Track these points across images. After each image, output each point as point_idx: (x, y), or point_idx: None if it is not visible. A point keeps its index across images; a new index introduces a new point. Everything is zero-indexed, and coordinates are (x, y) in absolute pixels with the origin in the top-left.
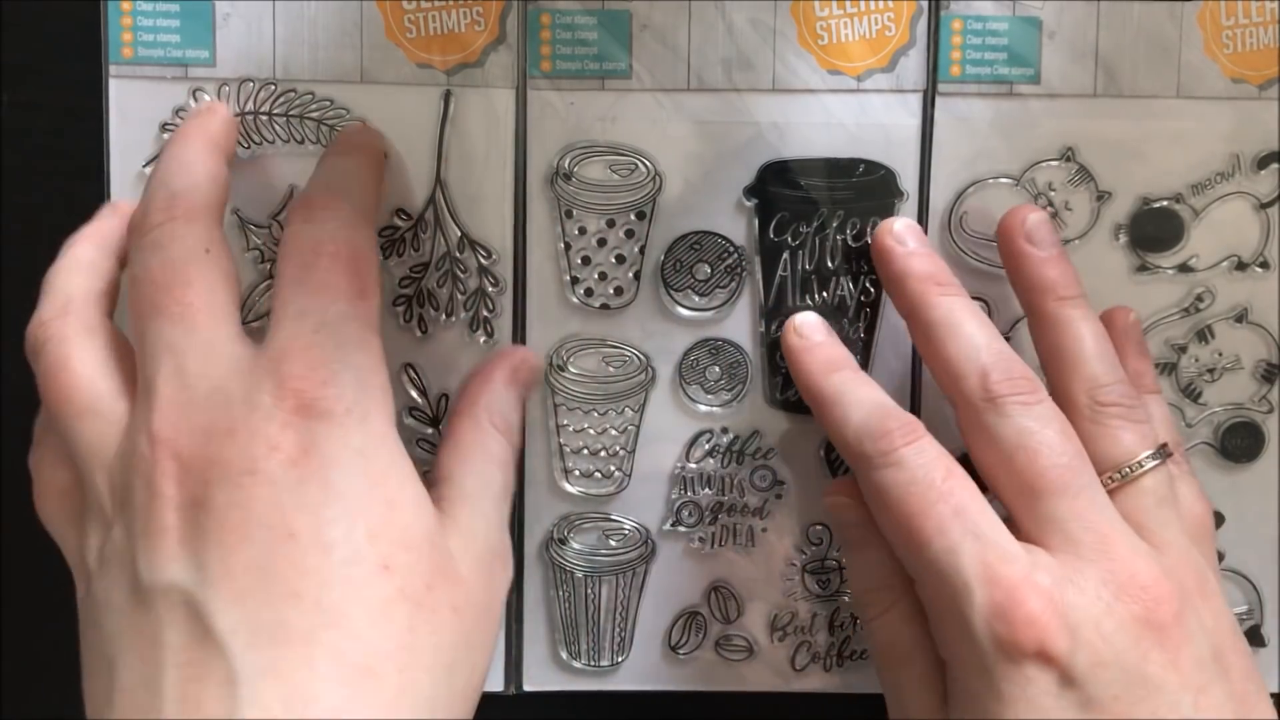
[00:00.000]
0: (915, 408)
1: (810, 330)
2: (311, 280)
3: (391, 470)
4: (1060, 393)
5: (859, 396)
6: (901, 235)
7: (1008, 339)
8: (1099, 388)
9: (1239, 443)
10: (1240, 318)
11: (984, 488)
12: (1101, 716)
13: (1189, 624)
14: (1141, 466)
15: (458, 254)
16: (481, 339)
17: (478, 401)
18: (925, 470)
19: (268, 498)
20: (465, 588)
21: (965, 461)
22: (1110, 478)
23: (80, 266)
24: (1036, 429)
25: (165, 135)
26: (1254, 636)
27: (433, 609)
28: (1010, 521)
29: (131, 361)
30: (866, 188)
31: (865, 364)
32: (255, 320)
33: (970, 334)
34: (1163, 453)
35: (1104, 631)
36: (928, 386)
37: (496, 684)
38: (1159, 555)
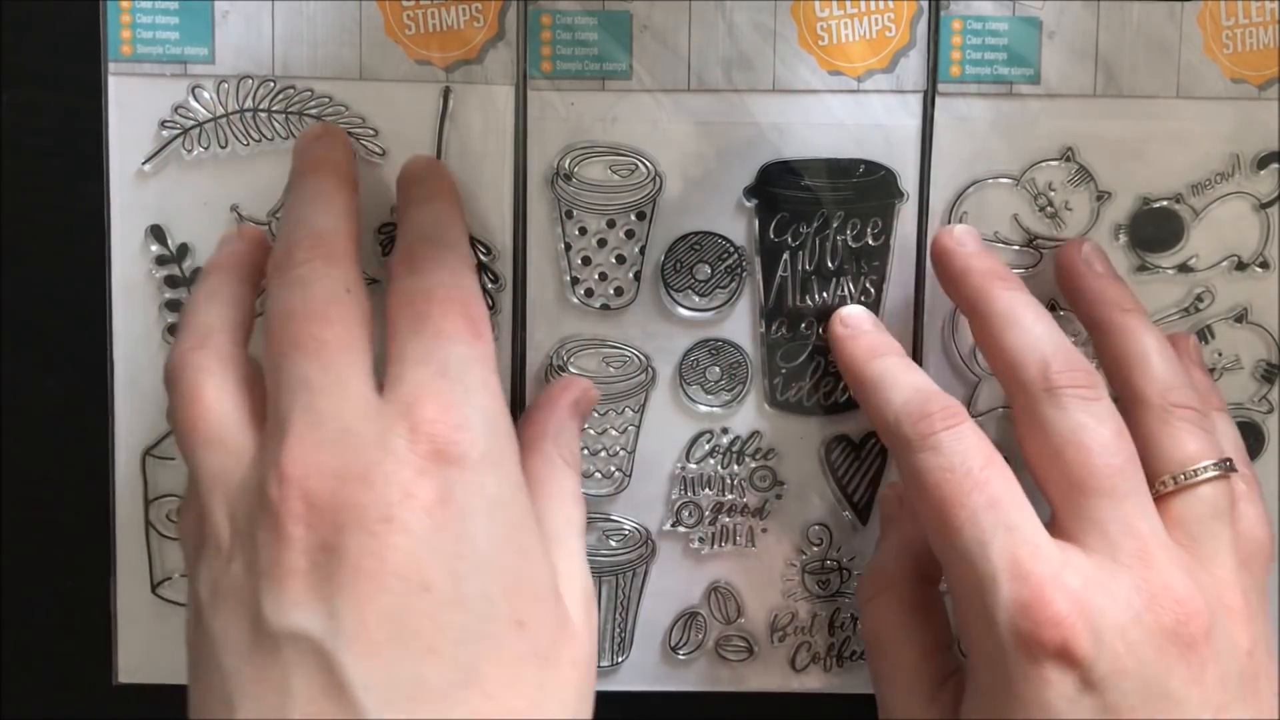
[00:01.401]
0: None
1: (857, 321)
2: (427, 328)
3: (522, 519)
4: (1130, 393)
5: (902, 380)
6: (962, 239)
7: None
8: (1170, 389)
9: None
10: (1240, 318)
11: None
12: None
13: (1219, 642)
14: (1202, 473)
15: None
16: None
17: (547, 435)
18: (963, 457)
19: (403, 547)
20: (579, 639)
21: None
22: (1168, 481)
23: (219, 297)
24: (1092, 425)
25: (165, 133)
26: None
27: (557, 664)
28: (1051, 521)
29: (263, 394)
30: (867, 188)
31: None
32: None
33: (1032, 324)
34: (1226, 465)
35: (1129, 640)
36: None
37: None
38: (1201, 569)
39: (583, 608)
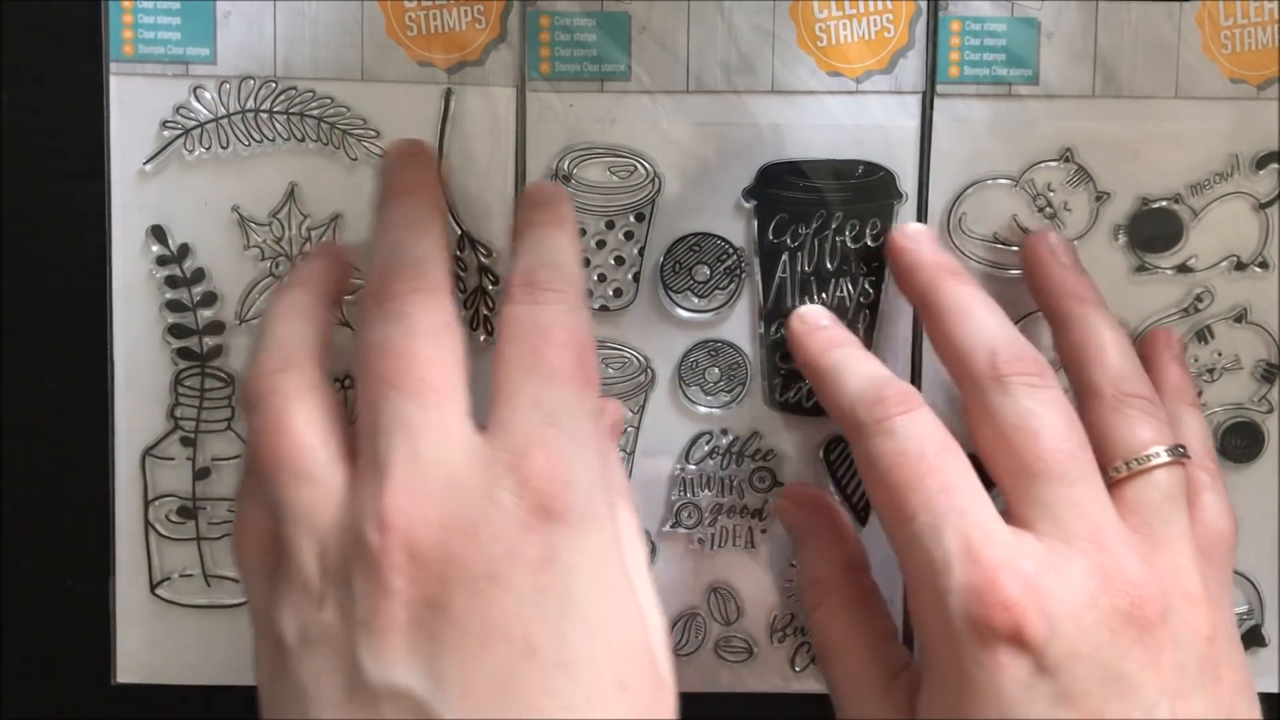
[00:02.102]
0: None
1: (813, 317)
2: (541, 368)
3: (621, 577)
4: (1083, 385)
5: (857, 368)
6: (914, 235)
7: None
8: (1123, 379)
9: (1239, 443)
10: (1240, 318)
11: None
12: (1071, 714)
13: (1175, 627)
14: (1154, 459)
15: (458, 252)
16: (481, 337)
17: None
18: (918, 442)
19: (509, 607)
20: (669, 692)
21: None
22: (1120, 467)
23: (299, 314)
24: (1041, 411)
25: (166, 133)
26: (1254, 636)
27: None
28: (1005, 508)
29: (346, 424)
30: (866, 189)
31: None
32: (255, 318)
33: (981, 317)
34: (1179, 452)
35: (1083, 624)
36: (928, 387)
37: None
38: (1156, 554)
39: (668, 658)
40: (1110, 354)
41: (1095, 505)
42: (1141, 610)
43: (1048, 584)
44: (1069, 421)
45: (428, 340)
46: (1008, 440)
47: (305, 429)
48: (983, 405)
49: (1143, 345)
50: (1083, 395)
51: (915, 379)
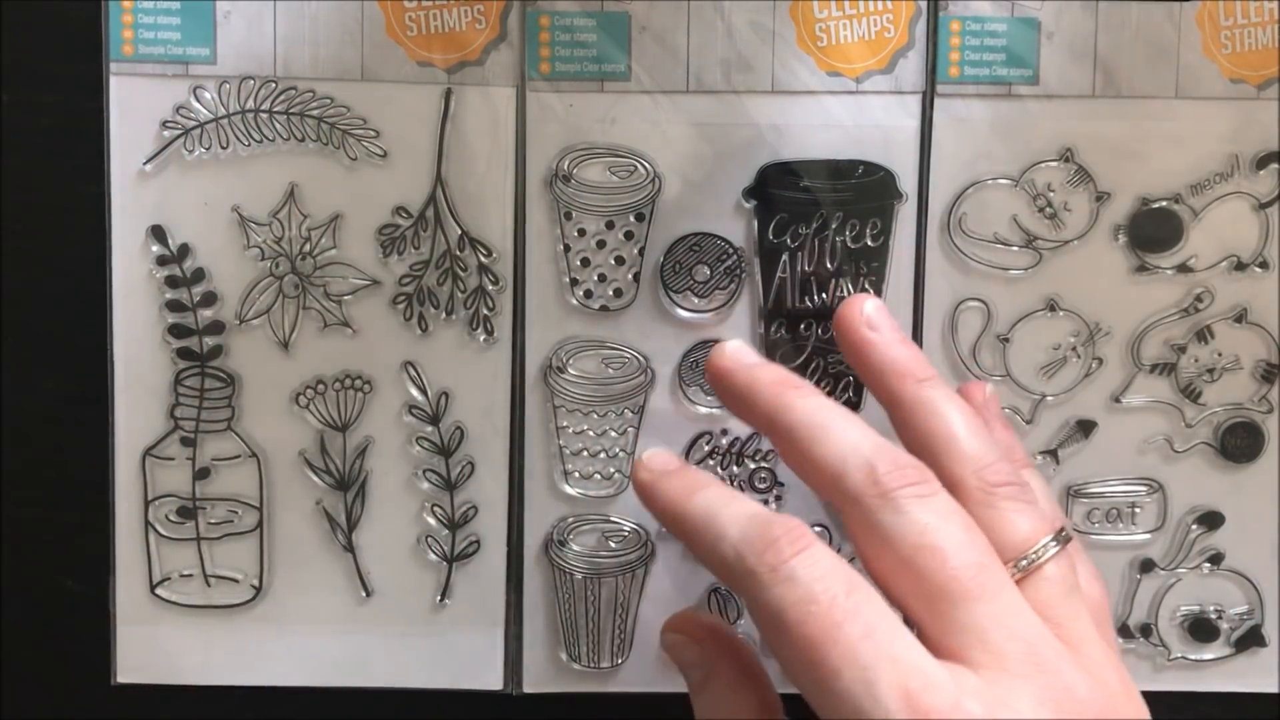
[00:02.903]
0: None
1: (662, 461)
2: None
3: None
4: (942, 476)
5: (732, 511)
6: (738, 354)
7: (1007, 339)
8: (984, 467)
9: (1239, 443)
10: (1240, 318)
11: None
12: None
13: None
14: (1044, 553)
15: (458, 252)
16: (481, 337)
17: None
18: (824, 585)
19: None
20: None
21: None
22: (1011, 570)
23: None
24: (938, 524)
25: (166, 133)
26: (1254, 637)
27: None
28: (920, 635)
29: None
30: (866, 189)
31: None
32: (255, 318)
33: (842, 429)
34: (1063, 537)
35: None
36: None
37: (496, 685)
38: (1080, 655)
39: None
40: (964, 440)
41: (1021, 620)
42: None
43: None
44: (969, 529)
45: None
46: (911, 562)
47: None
48: (872, 528)
49: None
50: (945, 488)
51: None
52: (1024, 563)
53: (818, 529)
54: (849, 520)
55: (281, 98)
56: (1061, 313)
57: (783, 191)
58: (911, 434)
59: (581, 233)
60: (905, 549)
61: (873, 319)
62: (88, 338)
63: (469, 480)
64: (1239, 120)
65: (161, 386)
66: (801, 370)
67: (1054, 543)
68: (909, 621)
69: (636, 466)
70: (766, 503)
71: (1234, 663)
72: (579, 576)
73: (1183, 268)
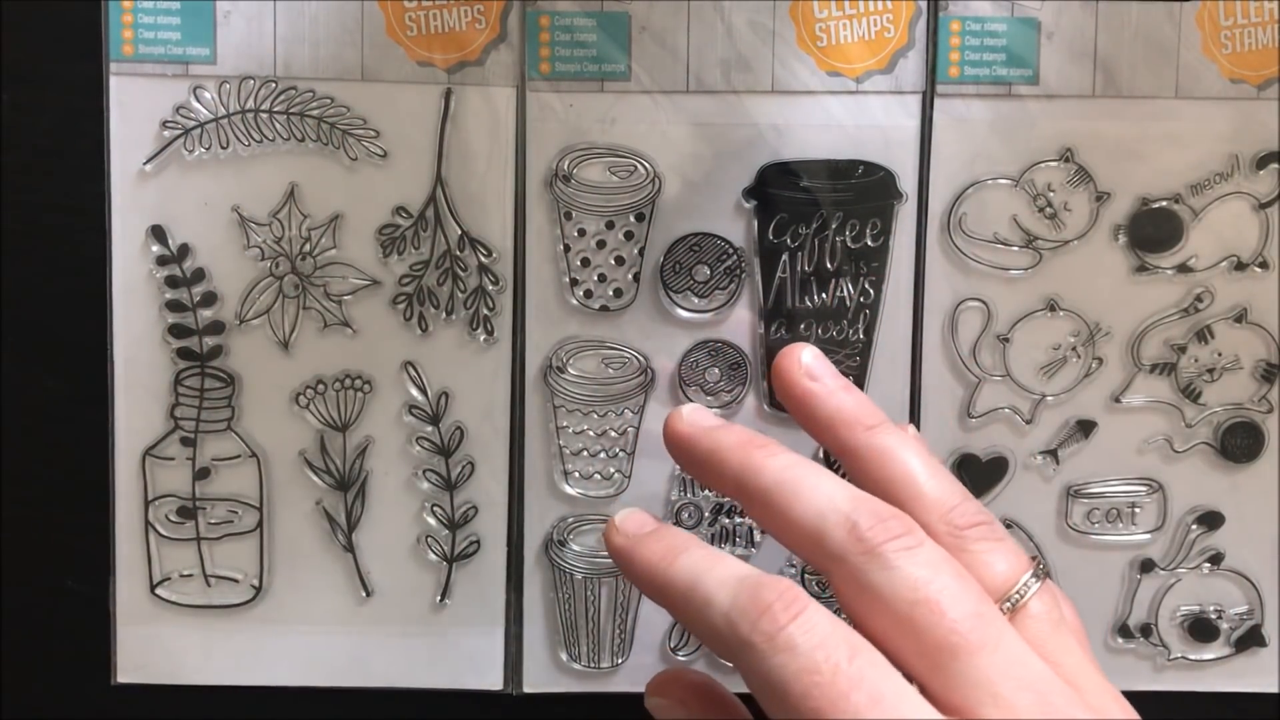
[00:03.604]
0: (915, 409)
1: (638, 523)
2: None
3: None
4: None
5: (719, 575)
6: (694, 418)
7: (1007, 339)
8: (951, 510)
9: (1239, 443)
10: (1240, 318)
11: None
12: None
13: None
14: (1026, 591)
15: (458, 252)
16: (482, 337)
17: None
18: (825, 652)
19: None
20: None
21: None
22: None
23: None
24: (931, 577)
25: (166, 133)
26: (1254, 637)
27: None
28: (923, 691)
29: None
30: (866, 189)
31: (864, 366)
32: (255, 318)
33: (815, 485)
34: (1041, 570)
35: None
36: (928, 388)
37: (496, 685)
38: (1083, 695)
39: None
40: (925, 485)
41: (1028, 669)
42: None
43: None
44: (960, 576)
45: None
46: (909, 620)
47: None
48: (862, 587)
49: None
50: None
51: (915, 379)
52: (1008, 604)
53: None
54: (834, 580)
55: (281, 98)
56: (1061, 313)
57: (783, 191)
58: (869, 483)
59: (581, 233)
60: (900, 606)
61: (812, 369)
62: (88, 338)
63: (469, 480)
64: (1239, 120)
65: (161, 386)
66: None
67: (1034, 578)
68: (910, 677)
69: (610, 531)
70: None
71: (1234, 663)
72: (579, 577)
73: (1183, 268)
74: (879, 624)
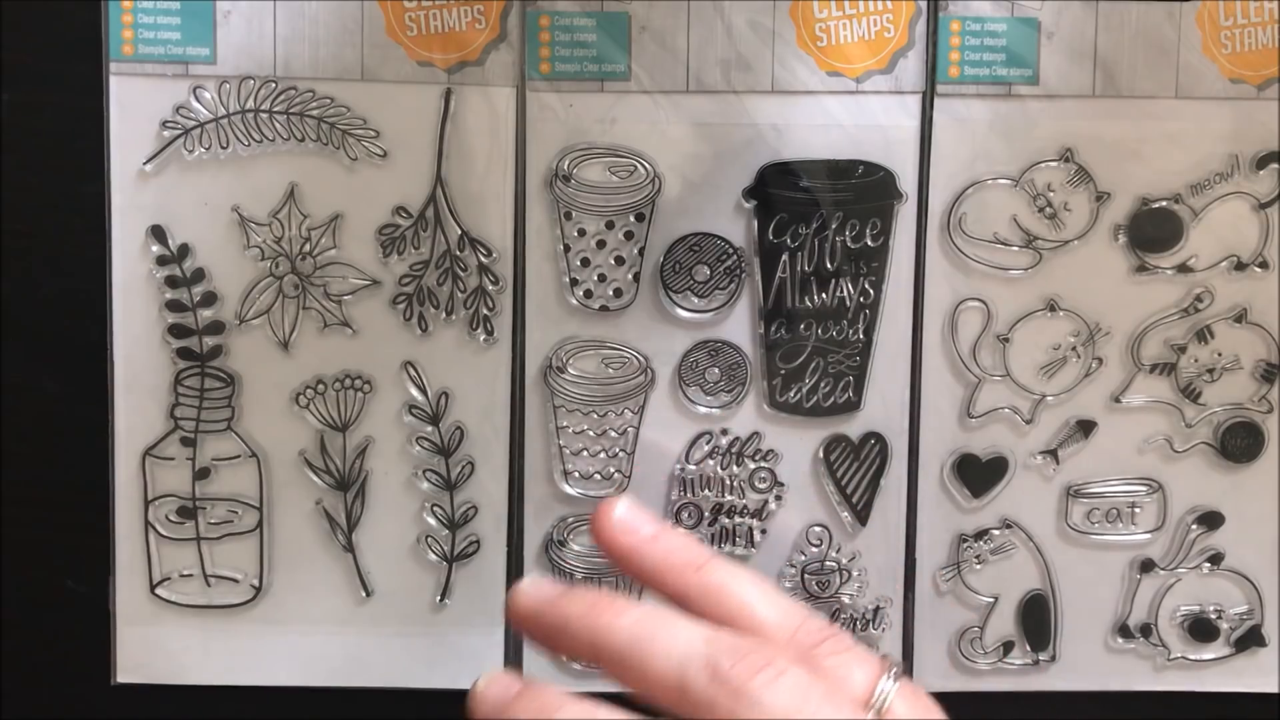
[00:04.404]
0: (915, 409)
1: (500, 687)
2: None
3: None
4: None
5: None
6: (533, 592)
7: (1007, 339)
8: (796, 631)
9: (1239, 443)
10: (1240, 318)
11: None
12: None
13: None
14: (888, 694)
15: (458, 252)
16: (481, 337)
17: None
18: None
19: None
20: None
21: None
22: None
23: None
24: (801, 704)
25: (166, 133)
26: (1254, 637)
27: None
28: None
29: None
30: (866, 189)
31: (864, 366)
32: (255, 318)
33: (672, 633)
34: (894, 669)
35: None
36: (927, 388)
37: None
38: None
39: None
40: (764, 612)
41: None
42: None
43: None
44: (828, 694)
45: None
46: None
47: None
48: None
49: None
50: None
51: (915, 379)
52: (873, 712)
53: (816, 527)
54: None
55: (281, 98)
56: (1061, 313)
57: (783, 191)
58: (712, 619)
59: (581, 233)
60: None
61: (627, 522)
62: (88, 338)
63: (469, 480)
64: (1239, 120)
65: (161, 386)
66: (801, 371)
67: (890, 680)
68: None
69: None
70: (767, 503)
71: (1234, 663)
72: (579, 577)
73: (1183, 268)
74: None
